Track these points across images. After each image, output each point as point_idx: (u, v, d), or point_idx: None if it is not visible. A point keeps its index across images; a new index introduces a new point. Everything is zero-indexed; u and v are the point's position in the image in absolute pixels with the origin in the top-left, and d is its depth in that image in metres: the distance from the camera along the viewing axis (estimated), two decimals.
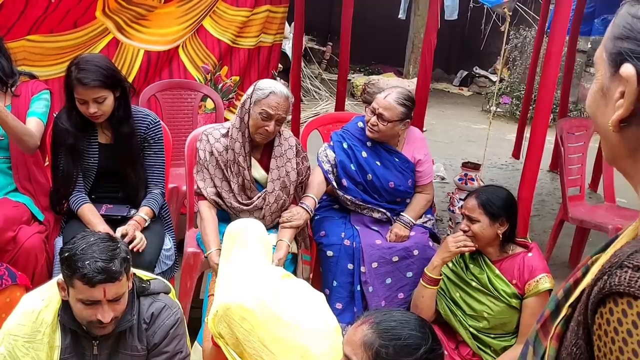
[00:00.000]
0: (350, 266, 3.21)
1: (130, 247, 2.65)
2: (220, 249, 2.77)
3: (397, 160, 3.36)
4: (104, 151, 2.98)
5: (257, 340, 1.95)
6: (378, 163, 3.33)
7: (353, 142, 3.36)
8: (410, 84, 9.91)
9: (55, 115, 2.97)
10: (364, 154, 3.33)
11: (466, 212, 2.77)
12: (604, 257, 0.89)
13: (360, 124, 3.42)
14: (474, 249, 2.74)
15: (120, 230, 2.78)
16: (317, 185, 3.24)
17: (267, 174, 3.04)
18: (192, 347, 2.71)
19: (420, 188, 3.44)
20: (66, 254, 2.00)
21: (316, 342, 1.97)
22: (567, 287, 0.99)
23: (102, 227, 2.82)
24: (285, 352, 1.94)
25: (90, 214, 2.90)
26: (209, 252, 2.87)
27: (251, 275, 2.17)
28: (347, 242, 3.21)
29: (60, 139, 2.90)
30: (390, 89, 3.31)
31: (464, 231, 2.75)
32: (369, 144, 3.35)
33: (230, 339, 2.01)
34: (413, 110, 3.33)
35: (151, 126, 3.04)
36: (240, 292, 2.06)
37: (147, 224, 2.94)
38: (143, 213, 2.95)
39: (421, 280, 2.82)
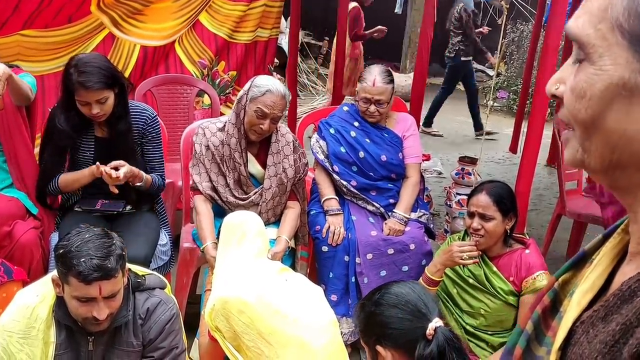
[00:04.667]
0: (346, 258, 3.21)
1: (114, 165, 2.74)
2: (216, 243, 2.78)
3: (386, 135, 3.42)
4: (100, 145, 2.96)
5: (256, 332, 1.95)
6: (367, 140, 3.38)
7: (340, 124, 3.42)
8: (407, 79, 9.89)
9: (50, 111, 2.95)
10: (353, 134, 3.38)
11: (479, 210, 2.68)
12: (586, 284, 0.81)
13: (346, 108, 3.50)
14: (478, 261, 2.70)
15: (116, 163, 2.78)
16: (329, 184, 3.36)
17: (264, 169, 3.03)
18: (192, 342, 2.71)
19: (407, 169, 3.44)
20: (61, 251, 1.99)
21: (314, 335, 1.98)
22: (535, 318, 0.89)
23: (87, 171, 2.84)
24: (284, 344, 1.94)
25: (67, 176, 2.92)
26: (204, 245, 2.85)
27: (249, 268, 2.17)
28: None
29: (56, 139, 2.88)
30: (369, 74, 3.32)
31: (476, 230, 2.70)
32: (356, 124, 3.42)
33: (228, 332, 2.01)
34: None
35: (149, 121, 3.02)
36: (238, 285, 2.06)
37: (140, 184, 2.91)
38: (145, 175, 2.94)
39: (421, 281, 2.76)
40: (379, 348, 1.75)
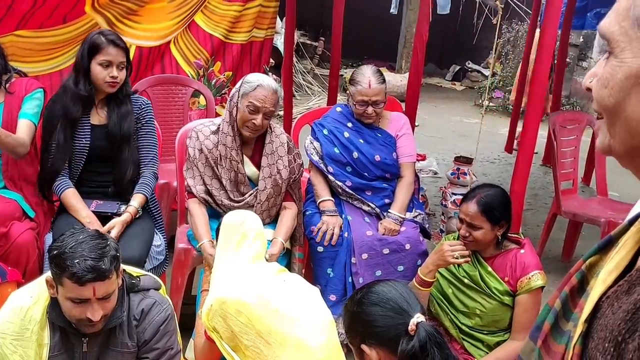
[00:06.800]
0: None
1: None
2: (212, 241, 2.80)
3: (379, 135, 3.43)
4: (96, 132, 3.00)
5: (254, 332, 1.95)
6: (361, 141, 3.39)
7: (333, 125, 3.42)
8: (402, 79, 9.89)
9: (52, 97, 3.00)
10: (346, 134, 3.39)
11: (467, 219, 2.69)
12: (611, 264, 0.84)
13: (339, 109, 3.50)
14: (469, 260, 2.70)
15: (107, 227, 2.83)
16: (324, 186, 3.37)
17: (259, 171, 3.02)
18: (187, 343, 2.70)
19: (401, 169, 3.44)
20: (55, 252, 1.98)
21: (312, 334, 1.98)
22: (563, 296, 0.92)
23: (86, 212, 2.88)
24: (282, 343, 1.94)
25: (74, 199, 2.94)
26: (201, 243, 2.85)
27: (247, 270, 2.17)
28: None
29: (64, 108, 2.92)
30: (363, 76, 3.31)
31: (464, 237, 2.70)
32: (349, 124, 3.42)
33: (225, 333, 2.01)
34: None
35: (143, 106, 3.14)
36: (236, 286, 2.06)
37: (138, 215, 2.98)
38: (136, 203, 2.98)
39: (414, 282, 2.74)
40: (364, 347, 1.76)
